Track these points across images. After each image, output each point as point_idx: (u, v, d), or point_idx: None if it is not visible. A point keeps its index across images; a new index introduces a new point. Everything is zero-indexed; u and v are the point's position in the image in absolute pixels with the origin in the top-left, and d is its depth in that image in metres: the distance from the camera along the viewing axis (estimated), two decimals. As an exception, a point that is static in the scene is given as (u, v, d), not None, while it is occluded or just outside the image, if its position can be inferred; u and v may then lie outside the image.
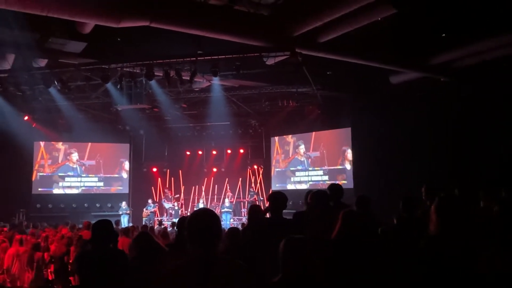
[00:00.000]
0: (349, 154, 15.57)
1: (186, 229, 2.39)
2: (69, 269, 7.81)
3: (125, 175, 18.83)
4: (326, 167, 16.40)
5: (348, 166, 15.65)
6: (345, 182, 15.15)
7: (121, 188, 18.69)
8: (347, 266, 3.10)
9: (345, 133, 15.56)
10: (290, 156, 17.55)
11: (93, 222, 4.82)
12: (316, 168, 16.79)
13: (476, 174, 10.24)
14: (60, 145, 18.16)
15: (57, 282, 7.91)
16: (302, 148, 17.21)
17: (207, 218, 2.42)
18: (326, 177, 16.27)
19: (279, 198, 4.39)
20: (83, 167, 18.39)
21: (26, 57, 11.27)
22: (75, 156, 18.27)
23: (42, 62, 11.91)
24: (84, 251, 5.21)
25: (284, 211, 4.40)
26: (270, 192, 12.86)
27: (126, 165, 18.83)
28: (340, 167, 15.96)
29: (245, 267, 2.39)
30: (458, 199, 3.01)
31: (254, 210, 5.33)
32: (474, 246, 2.70)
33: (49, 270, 8.18)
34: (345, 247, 3.22)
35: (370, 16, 9.04)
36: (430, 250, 2.77)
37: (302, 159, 17.18)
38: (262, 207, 5.48)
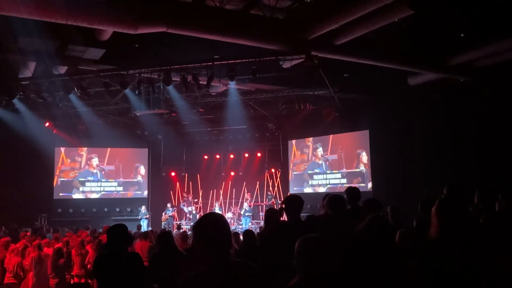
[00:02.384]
0: (363, 157, 15.48)
1: (196, 236, 2.35)
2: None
3: (140, 179, 18.98)
4: (344, 170, 16.29)
5: (363, 169, 15.54)
6: (363, 185, 15.05)
7: (140, 192, 18.83)
8: (363, 266, 3.07)
9: (363, 135, 15.45)
10: (308, 159, 17.47)
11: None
12: (334, 171, 16.69)
13: (497, 175, 10.04)
14: (80, 151, 18.40)
15: (78, 286, 8.03)
16: (320, 151, 17.12)
17: (221, 224, 2.35)
18: (344, 180, 16.17)
19: (294, 201, 4.36)
20: (103, 172, 18.62)
21: (46, 64, 11.49)
22: (95, 161, 18.50)
23: (62, 69, 12.15)
24: (101, 255, 5.28)
25: (302, 214, 4.38)
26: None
27: (142, 169, 18.98)
28: (356, 170, 15.86)
29: (257, 269, 2.37)
30: (458, 201, 2.94)
31: (270, 213, 5.31)
32: (476, 249, 2.64)
33: (71, 274, 8.32)
34: (363, 248, 3.18)
35: (387, 18, 8.96)
36: (429, 254, 2.71)
37: (320, 162, 17.09)
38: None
